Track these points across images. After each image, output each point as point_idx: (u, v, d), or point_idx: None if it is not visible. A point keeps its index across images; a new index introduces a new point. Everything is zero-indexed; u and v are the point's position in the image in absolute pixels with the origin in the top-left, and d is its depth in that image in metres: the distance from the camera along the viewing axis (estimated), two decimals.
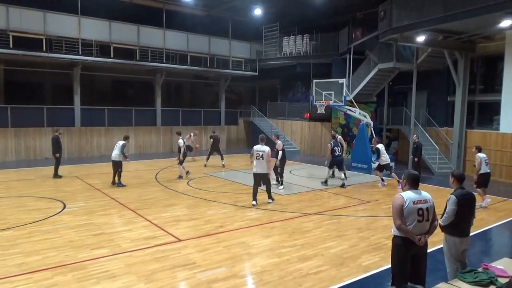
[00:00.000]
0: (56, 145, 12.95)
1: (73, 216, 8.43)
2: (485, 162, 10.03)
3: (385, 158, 12.81)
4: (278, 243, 6.92)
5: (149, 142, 21.04)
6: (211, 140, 16.75)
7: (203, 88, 26.54)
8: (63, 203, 9.48)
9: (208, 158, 16.52)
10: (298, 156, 20.34)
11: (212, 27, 21.89)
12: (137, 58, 19.10)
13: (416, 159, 12.81)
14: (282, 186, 11.94)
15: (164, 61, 19.90)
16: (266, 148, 9.45)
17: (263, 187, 9.86)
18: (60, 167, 13.23)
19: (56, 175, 12.95)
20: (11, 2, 15.91)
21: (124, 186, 11.68)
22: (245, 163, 17.43)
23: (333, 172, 13.71)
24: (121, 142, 11.93)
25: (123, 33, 18.83)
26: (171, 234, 7.28)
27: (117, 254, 6.26)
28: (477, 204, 10.09)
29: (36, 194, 10.48)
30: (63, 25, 17.18)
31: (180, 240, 6.97)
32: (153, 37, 19.74)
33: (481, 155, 10.04)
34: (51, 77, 19.92)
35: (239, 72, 23.16)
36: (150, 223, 7.99)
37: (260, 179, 9.61)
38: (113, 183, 11.78)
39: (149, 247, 6.58)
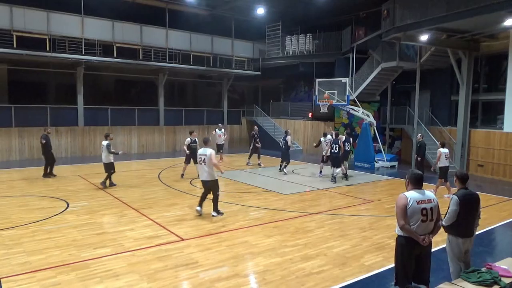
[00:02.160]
0: (46, 145, 12.81)
1: (76, 215, 8.46)
2: (445, 157, 11.11)
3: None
4: (280, 243, 6.91)
5: (152, 142, 21.08)
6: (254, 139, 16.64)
7: (206, 88, 26.56)
8: (66, 202, 9.52)
9: (250, 157, 16.80)
10: (301, 156, 20.31)
11: (215, 27, 21.90)
12: (140, 57, 19.14)
13: (419, 158, 12.78)
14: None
15: (167, 60, 19.93)
16: (209, 151, 8.25)
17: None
18: (63, 166, 13.29)
19: (47, 175, 12.82)
20: (14, 2, 15.97)
21: (116, 185, 11.53)
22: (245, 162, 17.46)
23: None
24: (105, 143, 11.38)
25: (126, 32, 18.86)
26: (173, 233, 7.29)
27: (119, 253, 6.28)
28: (445, 195, 10.73)
29: (39, 193, 10.52)
30: (67, 25, 17.24)
31: (182, 240, 6.98)
32: (156, 36, 19.77)
33: (443, 150, 11.04)
34: (55, 77, 19.99)
35: (242, 72, 23.16)
36: (152, 222, 8.01)
37: (207, 187, 8.49)
38: (103, 184, 11.31)
39: (152, 246, 6.59)
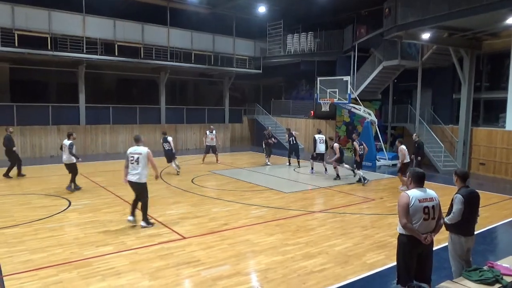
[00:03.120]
0: (8, 144, 12.29)
1: (78, 213, 8.48)
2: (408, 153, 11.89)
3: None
4: (282, 241, 6.91)
5: (153, 140, 21.09)
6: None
7: (207, 86, 26.57)
8: (69, 200, 9.54)
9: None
10: (303, 154, 20.29)
11: (216, 25, 21.89)
12: (142, 56, 19.14)
13: (419, 157, 12.76)
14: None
15: (168, 59, 19.93)
16: (145, 150, 7.52)
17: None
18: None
19: (7, 175, 12.26)
20: (16, 1, 15.99)
21: (80, 188, 10.75)
22: (250, 161, 17.46)
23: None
24: (67, 142, 10.49)
25: (128, 31, 18.87)
26: (175, 232, 7.30)
27: (122, 251, 6.29)
28: (400, 187, 11.20)
29: (41, 191, 10.54)
30: (68, 23, 17.25)
31: (184, 238, 6.99)
32: (157, 35, 19.77)
33: (404, 147, 11.71)
34: (56, 76, 20.01)
35: (243, 70, 23.14)
36: (154, 220, 8.02)
37: (135, 190, 7.60)
38: (69, 188, 10.48)
39: (154, 245, 6.61)
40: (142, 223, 7.56)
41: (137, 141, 7.71)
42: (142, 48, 19.15)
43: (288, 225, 7.92)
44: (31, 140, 17.61)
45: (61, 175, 12.99)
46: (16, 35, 15.96)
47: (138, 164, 7.40)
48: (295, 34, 22.21)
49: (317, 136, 14.59)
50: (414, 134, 13.51)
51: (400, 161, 11.89)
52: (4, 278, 5.25)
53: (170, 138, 13.70)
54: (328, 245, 6.75)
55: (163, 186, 11.60)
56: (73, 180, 10.63)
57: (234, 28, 22.39)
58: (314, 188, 11.81)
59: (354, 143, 12.63)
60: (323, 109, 18.00)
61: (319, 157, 14.33)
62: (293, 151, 15.83)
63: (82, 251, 6.27)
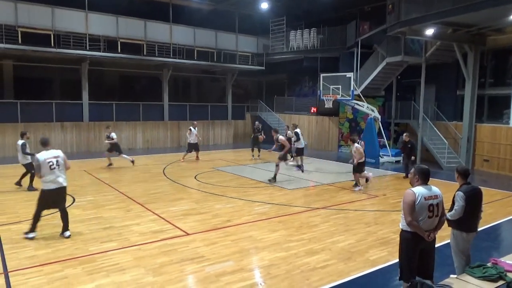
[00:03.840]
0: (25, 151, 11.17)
1: (83, 210, 8.53)
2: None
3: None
4: (285, 237, 6.93)
5: (156, 137, 21.15)
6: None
7: (210, 83, 26.56)
8: (73, 197, 9.58)
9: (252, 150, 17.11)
10: (305, 151, 20.27)
11: (219, 22, 21.85)
12: (144, 53, 19.15)
13: (412, 157, 12.68)
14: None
15: (171, 56, 19.93)
16: (59, 152, 6.93)
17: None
18: (69, 161, 13.25)
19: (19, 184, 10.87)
20: None
21: (36, 189, 9.60)
22: (252, 158, 17.47)
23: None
24: (20, 142, 10.19)
25: (130, 28, 18.86)
26: (179, 228, 7.33)
27: (126, 247, 6.33)
28: (356, 188, 11.00)
29: None
30: (71, 20, 17.27)
31: (188, 234, 7.02)
32: (160, 32, 19.76)
33: (359, 145, 11.30)
34: (60, 73, 20.06)
35: (246, 67, 23.11)
36: (158, 217, 8.06)
37: (61, 197, 6.89)
38: (18, 183, 10.44)
39: (157, 241, 6.64)
40: (66, 233, 6.78)
41: (46, 144, 6.95)
42: (145, 45, 19.15)
43: (292, 221, 7.94)
44: (35, 137, 17.65)
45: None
46: (19, 32, 16.00)
47: (59, 167, 6.79)
48: (298, 30, 22.14)
49: (298, 130, 14.74)
50: (404, 134, 13.28)
51: (356, 160, 10.97)
52: (9, 273, 5.30)
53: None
54: (331, 242, 6.76)
55: (167, 183, 11.65)
56: (32, 178, 10.19)
57: (236, 25, 22.34)
58: (317, 185, 11.81)
59: (356, 145, 11.13)
60: (326, 106, 17.97)
61: (300, 152, 14.51)
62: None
63: (87, 247, 6.32)
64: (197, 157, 16.30)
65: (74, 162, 15.14)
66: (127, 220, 7.84)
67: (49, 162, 6.67)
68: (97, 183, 11.42)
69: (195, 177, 12.49)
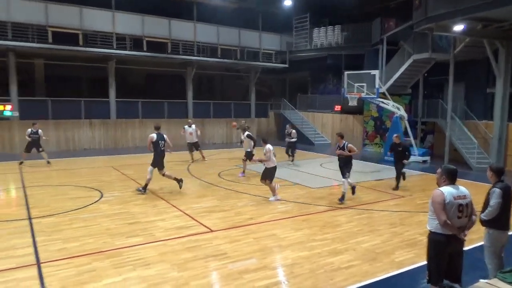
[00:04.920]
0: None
1: (110, 205, 8.75)
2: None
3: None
4: (308, 236, 6.90)
5: (180, 134, 21.42)
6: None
7: (233, 81, 26.68)
8: (101, 192, 9.85)
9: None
10: (329, 149, 20.10)
11: (242, 20, 21.90)
12: (169, 51, 19.42)
13: (404, 161, 11.05)
14: None
15: (195, 54, 20.13)
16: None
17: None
18: (97, 157, 13.70)
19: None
20: None
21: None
22: (276, 156, 17.42)
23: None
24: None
25: (155, 26, 19.20)
26: (202, 225, 7.42)
27: (151, 242, 6.46)
28: (270, 198, 9.52)
29: (75, 183, 10.93)
30: (98, 20, 17.74)
31: (211, 231, 7.09)
32: (184, 30, 20.00)
33: (270, 147, 9.76)
34: (88, 71, 20.63)
35: (269, 65, 23.10)
36: (182, 213, 8.17)
37: None
38: None
39: (182, 237, 6.74)
40: None
41: (158, 128, 7.41)
42: (169, 43, 19.43)
43: (315, 220, 7.89)
44: (65, 134, 18.27)
45: (93, 168, 13.45)
46: (49, 32, 16.55)
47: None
48: (322, 27, 21.92)
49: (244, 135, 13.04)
50: (395, 135, 11.68)
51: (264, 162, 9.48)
52: (41, 264, 5.50)
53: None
54: (355, 242, 6.68)
55: (190, 180, 11.78)
56: None
57: (260, 22, 22.33)
58: (340, 184, 11.65)
59: (268, 146, 9.47)
60: (350, 104, 17.73)
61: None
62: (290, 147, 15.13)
63: (114, 241, 6.48)
64: (203, 156, 15.37)
65: (102, 158, 15.59)
66: (152, 215, 7.99)
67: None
68: (124, 179, 11.68)
69: (218, 175, 12.59)
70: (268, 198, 9.47)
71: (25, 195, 9.49)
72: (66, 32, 17.03)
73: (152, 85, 23.33)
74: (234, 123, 16.56)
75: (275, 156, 9.59)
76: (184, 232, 6.98)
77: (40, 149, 13.77)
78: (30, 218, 7.65)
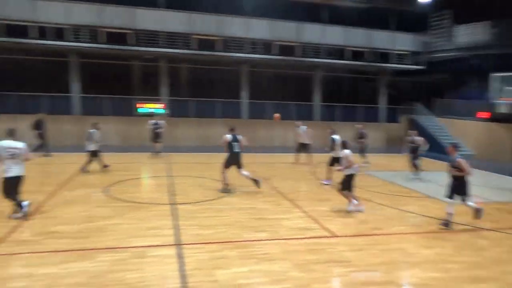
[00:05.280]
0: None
1: (240, 199, 9.34)
2: None
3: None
4: (441, 256, 6.24)
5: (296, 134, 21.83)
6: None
7: (361, 83, 25.86)
8: (231, 186, 10.57)
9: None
10: (473, 162, 17.84)
11: (372, 19, 21.08)
12: (299, 54, 19.87)
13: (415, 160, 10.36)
14: None
15: (323, 56, 20.16)
16: (22, 144, 7.22)
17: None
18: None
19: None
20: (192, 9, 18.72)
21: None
22: (407, 164, 16.27)
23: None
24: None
25: (283, 30, 19.88)
26: (326, 228, 7.36)
27: (275, 239, 6.69)
28: (348, 208, 7.50)
29: (211, 176, 11.91)
30: (235, 26, 19.24)
31: (335, 236, 6.99)
32: (311, 33, 20.25)
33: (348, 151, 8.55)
34: (224, 74, 22.51)
35: (402, 66, 21.67)
36: (306, 214, 8.25)
37: (18, 185, 7.26)
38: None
39: (305, 238, 6.81)
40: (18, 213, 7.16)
41: (12, 134, 7.26)
42: (298, 46, 19.89)
43: (450, 239, 7.09)
44: (204, 131, 20.28)
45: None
46: (193, 39, 18.59)
47: (16, 159, 7.13)
48: (465, 24, 19.50)
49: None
50: (412, 133, 11.15)
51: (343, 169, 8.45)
52: (181, 246, 6.20)
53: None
54: (502, 271, 5.78)
55: (316, 182, 11.78)
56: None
57: (391, 22, 21.11)
58: (486, 201, 10.20)
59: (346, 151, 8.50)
60: (500, 111, 15.42)
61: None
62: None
63: (242, 233, 6.92)
64: (308, 161, 14.59)
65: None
66: (277, 213, 8.26)
67: (7, 152, 7.04)
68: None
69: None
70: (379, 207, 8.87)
71: (169, 183, 10.82)
72: (207, 39, 18.93)
73: (280, 87, 24.24)
74: (277, 115, 15.76)
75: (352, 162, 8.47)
76: (307, 234, 7.04)
77: (158, 140, 15.02)
78: (172, 204, 8.69)
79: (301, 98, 22.30)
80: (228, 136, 9.87)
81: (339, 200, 9.61)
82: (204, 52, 18.82)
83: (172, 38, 18.40)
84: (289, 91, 24.47)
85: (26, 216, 7.23)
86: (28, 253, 5.69)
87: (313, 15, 20.45)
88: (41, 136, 14.69)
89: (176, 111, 19.76)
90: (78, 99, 19.09)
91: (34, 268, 5.18)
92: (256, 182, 9.89)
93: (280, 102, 21.35)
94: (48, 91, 18.42)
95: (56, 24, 17.17)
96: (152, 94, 20.04)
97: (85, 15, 17.52)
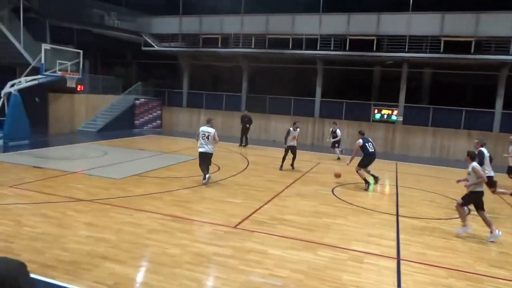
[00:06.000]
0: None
1: (480, 226, 7.78)
2: None
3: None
4: None
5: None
6: None
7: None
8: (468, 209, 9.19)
9: None
10: None
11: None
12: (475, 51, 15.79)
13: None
14: None
15: None
16: (213, 130, 9.76)
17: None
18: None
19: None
20: (444, 9, 17.10)
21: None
22: None
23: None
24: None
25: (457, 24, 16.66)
26: None
27: None
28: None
29: (443, 192, 10.78)
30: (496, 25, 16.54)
31: None
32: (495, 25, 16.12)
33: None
34: (474, 79, 19.75)
35: None
36: None
37: (207, 159, 9.81)
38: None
39: None
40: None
41: (208, 122, 9.93)
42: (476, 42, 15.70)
43: None
44: (441, 141, 18.41)
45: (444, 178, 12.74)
46: (442, 42, 17.07)
47: (208, 139, 9.64)
48: None
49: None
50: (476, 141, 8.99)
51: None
52: (400, 261, 5.88)
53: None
54: None
55: None
56: None
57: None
58: None
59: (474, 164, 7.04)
60: None
61: None
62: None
63: (475, 264, 5.95)
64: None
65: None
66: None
67: (203, 134, 9.86)
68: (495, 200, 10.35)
69: None
70: None
71: (397, 194, 10.39)
72: (458, 41, 17.01)
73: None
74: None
75: None
76: None
77: (336, 145, 15.54)
78: (397, 215, 8.32)
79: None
80: (360, 141, 10.75)
81: None
82: (455, 55, 17.02)
83: (417, 42, 17.56)
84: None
85: (206, 184, 9.68)
86: (264, 233, 6.71)
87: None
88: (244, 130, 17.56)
89: (412, 119, 18.72)
90: (318, 103, 20.73)
91: (267, 247, 6.06)
92: (375, 178, 10.89)
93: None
94: (295, 95, 20.89)
95: (308, 35, 19.27)
96: (389, 101, 19.61)
97: (334, 25, 18.94)
